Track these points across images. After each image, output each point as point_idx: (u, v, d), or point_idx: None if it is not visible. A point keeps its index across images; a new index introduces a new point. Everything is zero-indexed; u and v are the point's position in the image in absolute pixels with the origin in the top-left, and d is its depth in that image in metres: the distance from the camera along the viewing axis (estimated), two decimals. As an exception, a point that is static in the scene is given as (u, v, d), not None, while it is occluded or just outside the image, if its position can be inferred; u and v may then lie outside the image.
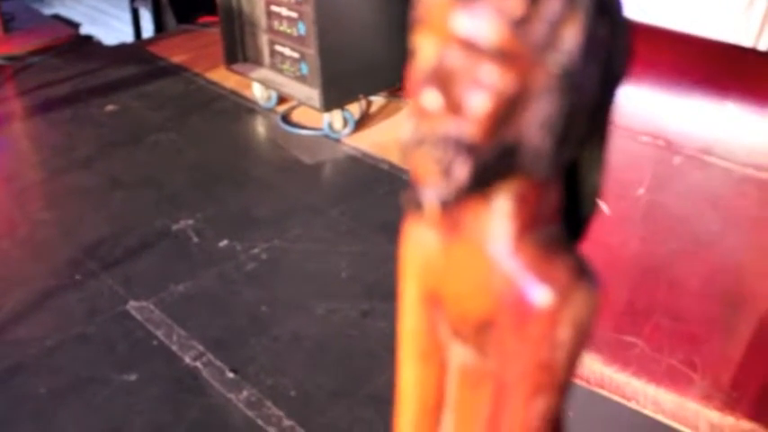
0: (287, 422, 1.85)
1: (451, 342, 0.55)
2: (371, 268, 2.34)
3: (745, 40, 1.43)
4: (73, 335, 2.16)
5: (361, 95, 3.08)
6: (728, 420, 1.06)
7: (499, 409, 0.51)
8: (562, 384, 0.49)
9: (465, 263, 0.51)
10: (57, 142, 3.16)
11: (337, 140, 3.05)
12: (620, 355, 1.11)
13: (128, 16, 4.37)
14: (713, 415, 1.07)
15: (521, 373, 0.49)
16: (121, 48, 4.09)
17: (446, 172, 0.44)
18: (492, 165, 0.45)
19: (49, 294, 2.32)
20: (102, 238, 2.55)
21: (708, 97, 1.03)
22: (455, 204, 0.47)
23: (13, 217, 2.70)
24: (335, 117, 3.04)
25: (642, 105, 1.06)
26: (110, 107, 3.41)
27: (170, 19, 4.33)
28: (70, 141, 3.16)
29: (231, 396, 1.93)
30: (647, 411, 1.11)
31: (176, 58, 3.85)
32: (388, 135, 3.06)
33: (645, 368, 1.10)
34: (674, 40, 1.10)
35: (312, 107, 3.01)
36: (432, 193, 0.45)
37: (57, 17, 4.45)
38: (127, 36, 4.25)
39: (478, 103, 0.43)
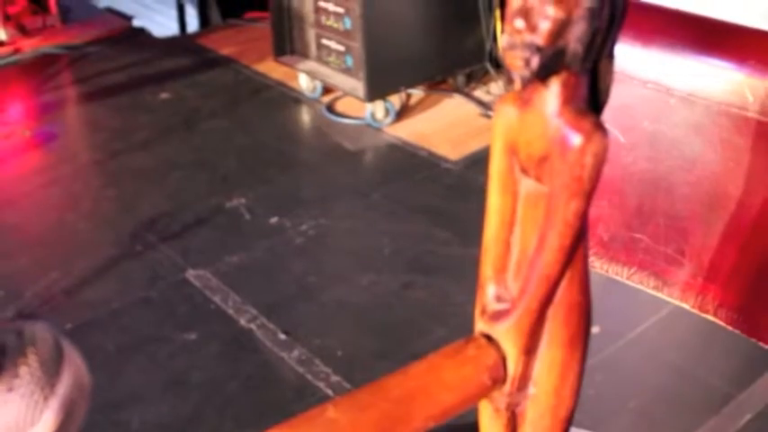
0: (334, 378, 2.02)
1: (521, 178, 0.91)
2: (412, 245, 2.51)
3: None
4: (136, 299, 2.36)
5: (402, 87, 3.25)
6: (708, 296, 1.34)
7: (549, 215, 0.86)
8: (587, 192, 0.83)
9: (532, 123, 0.87)
10: (115, 126, 3.36)
11: (379, 129, 3.23)
12: (630, 248, 1.44)
13: (172, 12, 4.56)
14: (696, 292, 1.36)
15: (562, 185, 0.83)
16: (172, 40, 4.29)
17: (526, 63, 0.78)
18: (550, 60, 0.79)
19: (112, 262, 2.51)
20: (161, 213, 2.75)
21: (695, 56, 1.41)
22: (530, 85, 0.82)
23: (77, 193, 2.90)
24: (378, 107, 3.21)
25: (650, 62, 1.45)
26: (163, 95, 3.61)
27: (215, 15, 4.53)
28: (127, 126, 3.36)
29: (283, 354, 2.11)
30: (650, 290, 1.39)
31: (224, 51, 4.04)
32: (427, 125, 3.24)
33: (649, 256, 1.44)
34: (674, 16, 1.48)
35: (356, 97, 3.19)
36: (518, 75, 0.80)
37: (110, 10, 4.67)
38: (171, 31, 4.45)
39: (545, 25, 0.78)
